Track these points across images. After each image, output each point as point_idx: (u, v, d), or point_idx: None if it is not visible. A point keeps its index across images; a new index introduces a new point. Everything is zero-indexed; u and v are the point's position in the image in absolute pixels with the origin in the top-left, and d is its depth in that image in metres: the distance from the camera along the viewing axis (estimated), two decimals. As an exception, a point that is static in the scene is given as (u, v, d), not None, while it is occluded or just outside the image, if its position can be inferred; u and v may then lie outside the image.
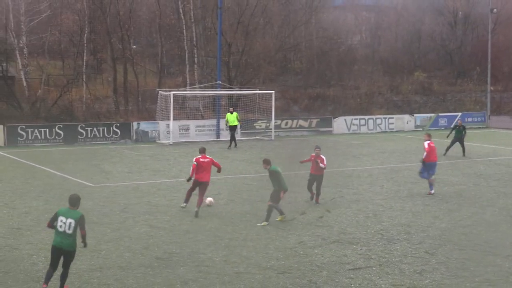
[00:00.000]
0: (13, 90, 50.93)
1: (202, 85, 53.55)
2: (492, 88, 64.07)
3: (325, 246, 18.41)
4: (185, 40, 57.20)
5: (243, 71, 60.55)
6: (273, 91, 48.61)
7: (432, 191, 25.94)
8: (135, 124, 45.93)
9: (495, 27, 71.44)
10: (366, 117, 54.71)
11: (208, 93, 50.30)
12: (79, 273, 15.79)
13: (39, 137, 42.72)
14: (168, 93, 45.50)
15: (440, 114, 58.10)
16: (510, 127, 56.74)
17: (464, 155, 37.50)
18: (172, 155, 38.42)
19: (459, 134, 38.01)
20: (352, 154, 39.45)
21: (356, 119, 53.85)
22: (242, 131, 47.85)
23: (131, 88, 56.35)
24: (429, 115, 57.49)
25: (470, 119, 58.39)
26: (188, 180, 22.42)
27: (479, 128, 57.29)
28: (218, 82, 48.70)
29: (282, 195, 20.67)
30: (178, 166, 33.91)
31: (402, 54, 76.12)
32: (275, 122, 48.53)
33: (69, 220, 14.11)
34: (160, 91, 47.45)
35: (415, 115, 57.11)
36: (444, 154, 36.83)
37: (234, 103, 51.46)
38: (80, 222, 14.19)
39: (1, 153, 38.59)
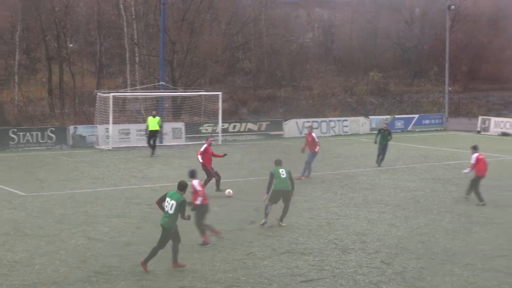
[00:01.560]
0: None
1: (144, 86, 53.31)
2: (450, 88, 64.95)
3: (276, 257, 18.46)
4: (126, 38, 56.92)
5: (188, 71, 60.44)
6: (220, 92, 48.54)
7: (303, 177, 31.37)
8: (71, 128, 45.49)
9: (453, 24, 72.47)
10: (319, 119, 54.94)
11: (151, 95, 50.06)
12: (10, 290, 15.59)
13: (-33, 143, 42.07)
14: (107, 94, 45.16)
15: (397, 116, 58.72)
16: (469, 129, 57.60)
17: (379, 164, 35.73)
18: (112, 161, 38.17)
19: (384, 140, 35.88)
20: (304, 159, 39.47)
21: (309, 121, 54.00)
22: (187, 135, 47.71)
23: (67, 90, 55.84)
24: (385, 117, 57.98)
25: (427, 121, 59.19)
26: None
27: (437, 130, 58.06)
28: (161, 83, 48.55)
29: (264, 199, 22.00)
30: (118, 173, 33.71)
31: (357, 53, 76.66)
32: (222, 126, 48.43)
33: (172, 202, 16.98)
34: (98, 93, 47.08)
35: (371, 117, 57.60)
36: (378, 165, 35.69)
37: (178, 105, 51.41)
38: (180, 205, 16.92)
39: None
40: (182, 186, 17.34)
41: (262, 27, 71.31)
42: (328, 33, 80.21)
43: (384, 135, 35.94)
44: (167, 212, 17.01)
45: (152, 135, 40.60)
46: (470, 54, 75.71)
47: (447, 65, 61.95)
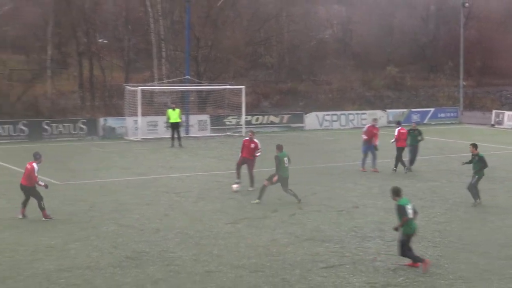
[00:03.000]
0: (-26, 86, 50.45)
1: (170, 80, 53.37)
2: (464, 83, 64.65)
3: (298, 244, 18.48)
4: (153, 34, 57.02)
5: (212, 65, 60.45)
6: (243, 86, 48.61)
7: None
8: (102, 120, 45.72)
9: (467, 21, 72.01)
10: (338, 112, 54.88)
11: (177, 88, 50.14)
12: (46, 273, 15.73)
13: (2, 134, 42.40)
14: (135, 88, 45.34)
15: (413, 110, 58.47)
16: (482, 122, 57.24)
17: (409, 169, 30.80)
18: (141, 151, 38.32)
19: (415, 141, 31.17)
20: (324, 150, 39.62)
21: (328, 114, 54.00)
22: (212, 127, 47.80)
23: (97, 83, 56.07)
24: (401, 110, 57.78)
25: (443, 115, 58.90)
26: None
27: (452, 123, 57.76)
28: (187, 77, 48.61)
29: (274, 179, 23.37)
30: (147, 163, 33.82)
31: (374, 49, 76.15)
32: (245, 118, 48.48)
33: (411, 206, 16.65)
34: (127, 86, 47.25)
35: (388, 110, 57.39)
36: (409, 170, 30.82)
37: (203, 99, 51.49)
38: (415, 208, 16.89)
39: (-38, 150, 38.26)
40: (399, 191, 16.97)
41: (283, 23, 71.09)
42: (346, 30, 79.79)
43: (413, 136, 31.19)
44: (412, 219, 16.67)
45: (174, 127, 40.70)
46: (483, 50, 75.20)
47: (461, 60, 61.63)
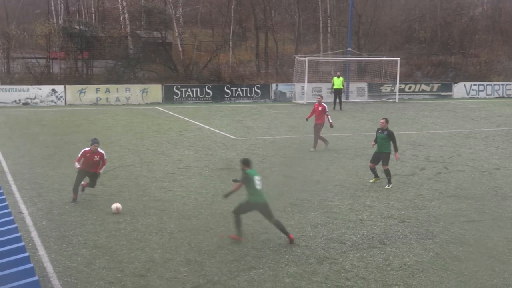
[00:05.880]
0: (170, 55, 52.22)
1: (334, 52, 53.06)
2: None
3: (442, 199, 17.99)
4: (320, 11, 56.71)
5: (371, 39, 59.49)
6: (398, 58, 47.65)
7: None
8: (273, 85, 46.27)
9: None
10: (485, 83, 52.72)
11: (339, 59, 49.84)
12: (223, 214, 16.18)
13: (191, 96, 43.81)
14: (303, 58, 45.51)
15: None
16: None
17: None
18: (306, 113, 38.25)
19: None
20: (470, 117, 38.16)
21: (475, 84, 51.97)
22: (369, 94, 47.28)
23: (271, 54, 56.58)
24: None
25: None
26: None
27: None
28: (349, 49, 48.15)
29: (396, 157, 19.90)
30: (311, 123, 33.82)
31: (522, 25, 72.34)
32: (399, 86, 47.66)
33: (258, 177, 14.20)
34: (296, 57, 47.49)
35: (532, 82, 54.55)
36: None
37: (362, 68, 50.92)
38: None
39: (159, 108, 39.91)
40: (249, 162, 14.33)
41: (437, 2, 68.78)
42: (496, 8, 76.06)
43: None
44: (260, 189, 14.16)
45: (337, 93, 40.74)
46: None
47: None
